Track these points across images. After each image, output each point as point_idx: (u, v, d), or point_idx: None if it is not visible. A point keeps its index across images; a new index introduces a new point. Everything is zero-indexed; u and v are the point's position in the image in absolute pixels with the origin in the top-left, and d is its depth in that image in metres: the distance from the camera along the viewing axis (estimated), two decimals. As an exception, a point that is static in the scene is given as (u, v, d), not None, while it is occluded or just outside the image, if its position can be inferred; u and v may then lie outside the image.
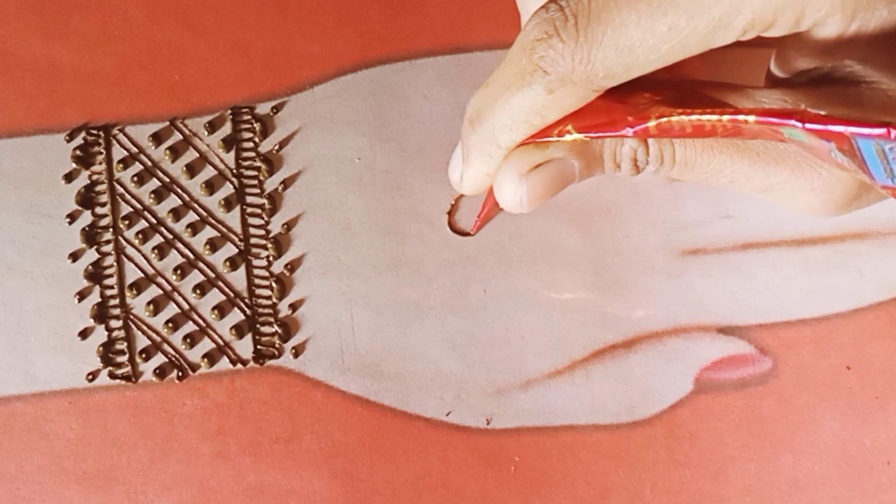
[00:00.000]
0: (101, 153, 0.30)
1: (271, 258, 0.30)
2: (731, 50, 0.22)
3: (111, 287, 0.30)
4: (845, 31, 0.21)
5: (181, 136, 0.30)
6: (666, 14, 0.20)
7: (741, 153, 0.23)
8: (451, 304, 0.30)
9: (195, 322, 0.30)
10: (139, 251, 0.30)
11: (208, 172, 0.30)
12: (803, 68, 0.24)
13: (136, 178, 0.30)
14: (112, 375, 0.29)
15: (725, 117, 0.20)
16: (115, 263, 0.30)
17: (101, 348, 0.29)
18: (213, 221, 0.30)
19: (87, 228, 0.30)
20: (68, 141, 0.30)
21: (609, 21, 0.21)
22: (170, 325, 0.30)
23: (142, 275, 0.30)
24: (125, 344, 0.30)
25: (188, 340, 0.30)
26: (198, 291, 0.30)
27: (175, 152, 0.30)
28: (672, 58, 0.21)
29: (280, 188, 0.30)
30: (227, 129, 0.30)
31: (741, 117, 0.20)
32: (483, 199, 0.28)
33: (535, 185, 0.24)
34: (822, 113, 0.19)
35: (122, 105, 0.30)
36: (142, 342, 0.30)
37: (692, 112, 0.21)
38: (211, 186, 0.30)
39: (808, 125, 0.19)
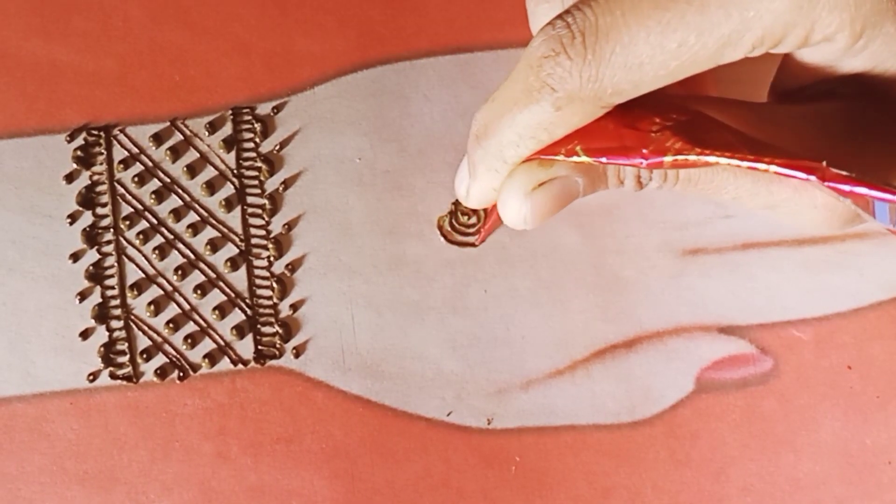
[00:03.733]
0: (102, 154, 0.30)
1: (272, 258, 0.30)
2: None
3: (112, 287, 0.30)
4: (851, 47, 0.21)
5: (182, 137, 0.30)
6: (675, 31, 0.20)
7: (745, 171, 0.23)
8: (451, 304, 0.30)
9: (196, 322, 0.30)
10: (140, 251, 0.30)
11: (209, 173, 0.30)
12: (807, 83, 0.24)
13: (136, 179, 0.30)
14: (113, 376, 0.29)
15: (745, 164, 0.20)
16: (115, 264, 0.30)
17: (101, 349, 0.29)
18: (213, 222, 0.30)
19: (87, 229, 0.30)
20: (69, 141, 0.30)
21: (618, 39, 0.21)
22: (171, 325, 0.30)
23: (143, 275, 0.30)
24: (126, 344, 0.30)
25: (189, 341, 0.30)
26: (199, 292, 0.30)
27: (176, 153, 0.30)
28: (680, 74, 0.21)
29: (281, 188, 0.30)
30: (227, 129, 0.30)
31: (761, 166, 0.20)
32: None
33: (540, 203, 0.24)
34: (844, 173, 0.19)
35: (123, 105, 0.30)
36: (143, 342, 0.30)
37: (711, 153, 0.21)
38: (212, 187, 0.30)
39: (828, 184, 0.19)
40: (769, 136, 0.22)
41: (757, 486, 0.29)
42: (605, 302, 0.30)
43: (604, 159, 0.22)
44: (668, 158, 0.21)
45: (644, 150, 0.22)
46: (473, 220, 0.30)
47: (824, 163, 0.19)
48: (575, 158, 0.23)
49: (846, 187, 0.19)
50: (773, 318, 0.30)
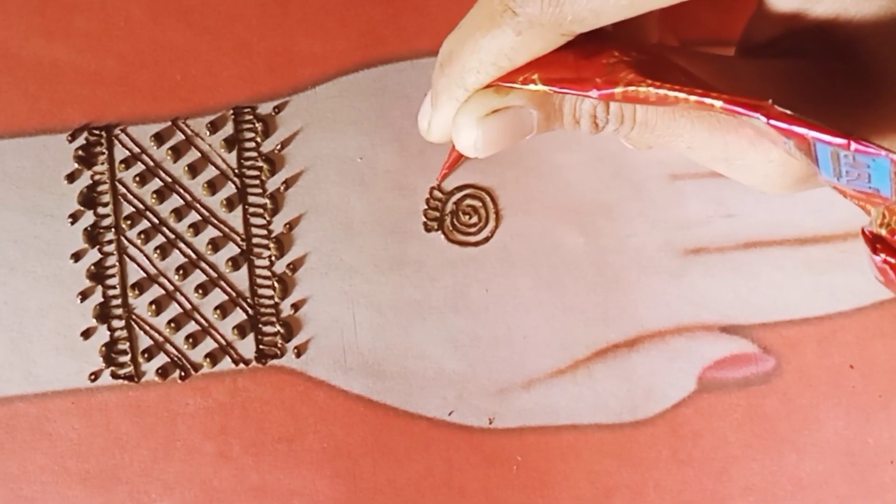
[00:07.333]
0: (104, 153, 0.30)
1: (273, 258, 0.30)
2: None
3: (113, 287, 0.30)
4: None
5: (183, 136, 0.30)
6: None
7: (701, 119, 0.23)
8: (453, 304, 0.30)
9: (197, 322, 0.30)
10: (141, 251, 0.30)
11: (210, 172, 0.30)
12: (774, 35, 0.24)
13: (138, 178, 0.30)
14: (114, 375, 0.29)
15: (693, 97, 0.20)
16: (117, 263, 0.30)
17: (103, 348, 0.30)
18: (215, 221, 0.30)
19: (89, 228, 0.30)
20: (70, 141, 0.30)
21: None
22: (172, 324, 0.30)
23: (144, 275, 0.30)
24: (127, 344, 0.30)
25: (190, 340, 0.30)
26: (200, 291, 0.30)
27: (177, 152, 0.30)
28: (640, 7, 0.21)
29: (282, 188, 0.30)
30: (228, 128, 0.31)
31: (708, 101, 0.20)
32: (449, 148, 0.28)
33: (491, 130, 0.24)
34: (788, 112, 0.19)
35: (124, 105, 0.30)
36: (144, 342, 0.30)
37: (661, 86, 0.21)
38: (213, 186, 0.30)
39: (771, 121, 0.20)
40: (728, 88, 0.22)
41: (759, 486, 0.29)
42: (607, 301, 0.30)
43: (557, 88, 0.23)
44: (619, 90, 0.21)
45: (597, 80, 0.22)
46: (475, 219, 0.30)
47: (770, 101, 0.20)
48: (531, 87, 0.23)
49: (790, 127, 0.19)
50: (776, 317, 0.30)
